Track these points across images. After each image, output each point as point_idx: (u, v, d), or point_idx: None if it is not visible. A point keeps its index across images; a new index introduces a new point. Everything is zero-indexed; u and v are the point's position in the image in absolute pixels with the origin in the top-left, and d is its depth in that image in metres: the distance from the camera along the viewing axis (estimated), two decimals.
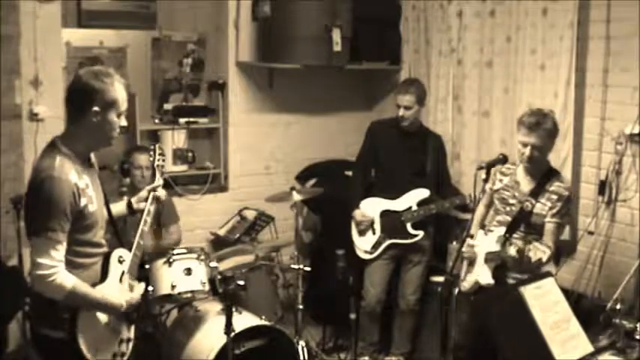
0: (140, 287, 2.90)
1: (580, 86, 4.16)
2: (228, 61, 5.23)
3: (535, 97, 4.34)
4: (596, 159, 4.10)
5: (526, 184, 3.61)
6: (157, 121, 5.11)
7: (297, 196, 4.30)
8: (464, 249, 3.51)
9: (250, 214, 5.17)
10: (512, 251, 3.48)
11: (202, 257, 3.94)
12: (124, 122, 2.73)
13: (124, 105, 2.71)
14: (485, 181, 3.46)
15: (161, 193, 3.11)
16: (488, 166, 3.43)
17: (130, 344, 2.87)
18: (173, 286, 3.82)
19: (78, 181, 2.60)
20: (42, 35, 4.33)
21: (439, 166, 4.54)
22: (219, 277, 3.89)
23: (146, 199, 3.08)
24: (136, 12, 4.89)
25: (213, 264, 3.98)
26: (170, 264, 3.86)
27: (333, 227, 4.62)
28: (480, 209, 3.91)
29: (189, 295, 3.90)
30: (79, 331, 2.61)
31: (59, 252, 2.55)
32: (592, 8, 4.08)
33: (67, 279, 2.57)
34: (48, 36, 4.36)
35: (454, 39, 4.92)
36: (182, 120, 5.09)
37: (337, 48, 4.87)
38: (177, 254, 3.91)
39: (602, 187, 4.03)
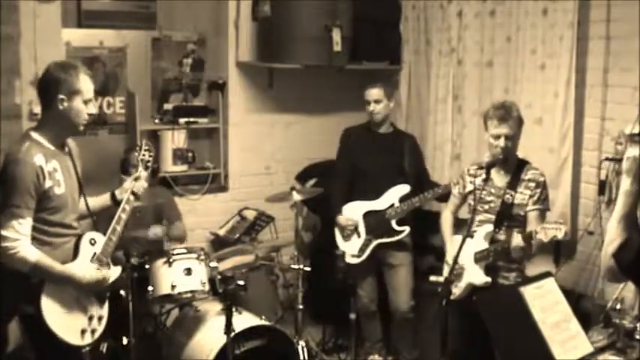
0: (116, 270, 3.12)
1: (580, 86, 4.16)
2: (228, 61, 5.23)
3: (535, 97, 4.34)
4: (596, 159, 4.09)
5: (500, 179, 3.65)
6: (156, 121, 5.11)
7: (297, 196, 4.29)
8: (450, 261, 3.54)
9: (250, 214, 5.17)
10: (517, 241, 3.47)
11: (202, 257, 3.94)
12: (91, 110, 2.97)
13: (89, 93, 2.95)
14: (486, 180, 3.48)
15: (139, 187, 3.25)
16: (488, 167, 3.44)
17: (103, 322, 3.07)
18: (173, 286, 3.82)
19: (44, 164, 2.84)
20: (42, 35, 4.33)
21: (417, 166, 4.54)
22: (219, 277, 3.88)
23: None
24: (136, 12, 4.90)
25: (213, 264, 3.98)
26: (170, 264, 3.86)
27: (333, 227, 4.61)
28: (447, 215, 3.94)
29: (189, 295, 3.90)
30: (44, 305, 2.82)
31: (23, 226, 2.79)
32: (592, 8, 4.08)
33: (30, 252, 2.80)
34: (48, 36, 4.36)
35: (454, 39, 4.92)
36: (182, 120, 5.09)
37: (337, 48, 4.87)
38: (177, 254, 3.91)
39: (602, 187, 4.03)
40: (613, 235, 2.17)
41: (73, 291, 2.93)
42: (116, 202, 3.24)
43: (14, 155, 2.82)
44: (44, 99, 2.94)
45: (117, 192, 3.29)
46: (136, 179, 3.25)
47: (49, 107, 2.92)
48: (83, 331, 2.95)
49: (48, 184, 2.85)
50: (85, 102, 2.93)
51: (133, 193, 3.20)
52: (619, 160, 2.35)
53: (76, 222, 3.06)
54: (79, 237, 3.02)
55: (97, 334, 3.02)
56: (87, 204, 3.14)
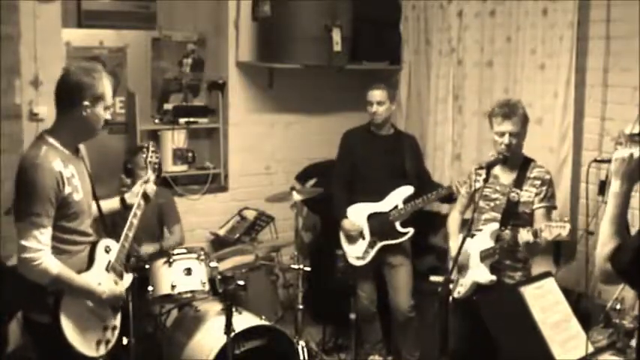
0: (128, 278, 3.02)
1: (580, 86, 4.16)
2: (228, 61, 5.23)
3: (535, 97, 4.34)
4: None
5: (505, 177, 3.67)
6: (156, 121, 5.11)
7: (297, 196, 4.29)
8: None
9: (250, 214, 5.17)
10: (527, 236, 3.45)
11: (202, 257, 3.94)
12: (108, 116, 2.88)
13: (110, 99, 2.85)
14: (486, 180, 3.48)
15: (150, 189, 3.19)
16: (488, 167, 3.44)
17: (116, 332, 2.97)
18: (173, 286, 3.82)
19: (63, 169, 2.71)
20: (42, 35, 4.33)
21: (417, 166, 4.54)
22: (219, 277, 3.88)
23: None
24: (136, 12, 4.90)
25: (213, 264, 3.98)
26: (170, 264, 3.86)
27: (333, 227, 4.62)
28: (455, 216, 3.94)
29: (189, 295, 3.90)
30: (62, 316, 2.71)
31: (44, 235, 2.66)
32: (592, 8, 4.08)
33: (52, 264, 2.67)
34: (48, 36, 4.36)
35: (454, 39, 4.92)
36: (182, 120, 5.09)
37: (337, 48, 4.87)
38: (177, 254, 3.91)
39: (602, 187, 4.02)
40: (605, 237, 2.18)
41: (90, 302, 2.83)
42: (125, 207, 3.18)
43: (32, 160, 2.68)
44: (63, 103, 2.79)
45: (127, 196, 3.21)
46: (146, 182, 3.18)
47: (69, 112, 2.78)
48: (98, 342, 2.85)
49: (67, 190, 2.72)
50: (106, 108, 2.83)
51: (143, 196, 3.13)
52: (609, 162, 2.36)
53: (91, 228, 2.95)
54: (94, 244, 2.90)
55: (110, 345, 2.92)
56: (100, 209, 3.04)
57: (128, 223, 3.03)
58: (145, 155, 3.37)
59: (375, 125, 4.50)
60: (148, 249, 4.25)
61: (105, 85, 2.81)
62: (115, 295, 2.89)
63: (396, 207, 4.37)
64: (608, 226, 2.18)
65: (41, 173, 2.65)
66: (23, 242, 2.64)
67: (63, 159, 2.74)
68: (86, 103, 2.75)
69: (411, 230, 4.38)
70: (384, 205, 4.39)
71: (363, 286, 4.49)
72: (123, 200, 3.21)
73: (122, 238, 2.98)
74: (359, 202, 4.46)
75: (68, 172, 2.74)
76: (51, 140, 2.76)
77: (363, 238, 4.42)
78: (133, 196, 3.18)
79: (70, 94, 2.76)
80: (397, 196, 4.38)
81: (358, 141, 4.56)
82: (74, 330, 2.74)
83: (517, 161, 3.65)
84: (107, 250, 2.92)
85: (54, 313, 2.70)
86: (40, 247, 2.64)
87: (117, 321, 2.98)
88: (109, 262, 2.91)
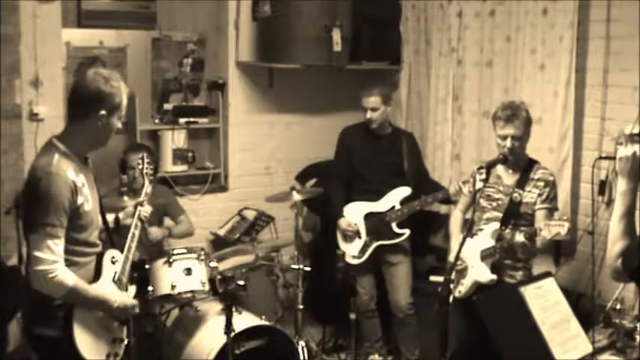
0: (132, 290, 2.96)
1: (580, 86, 4.17)
2: (228, 61, 5.23)
3: (535, 97, 4.34)
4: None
5: (509, 177, 3.67)
6: (156, 121, 5.11)
7: (297, 196, 4.29)
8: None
9: (250, 214, 5.17)
10: (519, 237, 3.46)
11: (202, 257, 3.94)
12: (120, 125, 2.78)
13: (125, 108, 2.76)
14: (486, 180, 3.47)
15: (144, 213, 3.13)
16: (488, 167, 3.44)
17: (123, 345, 2.89)
18: (173, 286, 3.81)
19: (75, 179, 2.63)
20: (42, 35, 4.34)
21: (416, 165, 4.53)
22: (219, 277, 3.88)
23: (133, 215, 3.12)
24: (136, 12, 4.90)
25: (213, 264, 3.98)
26: (170, 264, 3.86)
27: (333, 227, 4.62)
28: (457, 215, 3.94)
29: (189, 295, 3.90)
30: (74, 330, 2.63)
31: (58, 247, 2.57)
32: (592, 8, 4.08)
33: (68, 276, 2.59)
34: (48, 36, 4.36)
35: (454, 39, 4.92)
36: (182, 120, 5.09)
37: (337, 48, 4.87)
38: (178, 254, 3.91)
39: (602, 187, 4.03)
40: (615, 236, 2.18)
41: (100, 314, 2.76)
42: (119, 226, 3.12)
43: (46, 168, 2.58)
44: (79, 111, 2.69)
45: (120, 215, 3.15)
46: (141, 205, 3.12)
47: (84, 120, 2.67)
48: (108, 356, 2.78)
49: (79, 200, 2.63)
50: (120, 117, 2.74)
51: (139, 219, 3.08)
52: (614, 159, 2.38)
53: (99, 239, 2.87)
54: (100, 255, 2.82)
55: (118, 358, 2.85)
56: (105, 220, 2.97)
57: (130, 234, 2.98)
58: (140, 166, 3.31)
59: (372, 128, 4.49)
60: (156, 233, 4.30)
61: (123, 94, 2.71)
62: (127, 306, 2.82)
63: (393, 208, 4.37)
64: (617, 224, 2.19)
65: (55, 182, 2.56)
66: (37, 254, 2.53)
67: (74, 168, 2.65)
68: (103, 112, 2.66)
69: (407, 231, 4.37)
70: (380, 205, 4.39)
71: (362, 282, 4.48)
72: (117, 220, 3.14)
73: (125, 250, 2.92)
74: (356, 199, 4.46)
75: (79, 181, 2.66)
76: (62, 148, 2.66)
77: (359, 237, 4.42)
78: (127, 217, 3.12)
79: (88, 102, 2.66)
80: (394, 197, 4.38)
81: (356, 139, 4.55)
82: (85, 344, 2.66)
83: (521, 162, 3.65)
84: (113, 261, 2.85)
85: (66, 326, 2.62)
86: (55, 259, 2.55)
87: (124, 334, 2.91)
88: (115, 273, 2.85)
